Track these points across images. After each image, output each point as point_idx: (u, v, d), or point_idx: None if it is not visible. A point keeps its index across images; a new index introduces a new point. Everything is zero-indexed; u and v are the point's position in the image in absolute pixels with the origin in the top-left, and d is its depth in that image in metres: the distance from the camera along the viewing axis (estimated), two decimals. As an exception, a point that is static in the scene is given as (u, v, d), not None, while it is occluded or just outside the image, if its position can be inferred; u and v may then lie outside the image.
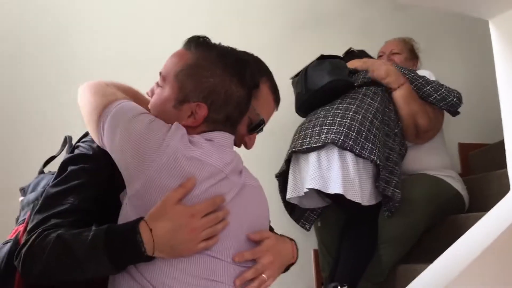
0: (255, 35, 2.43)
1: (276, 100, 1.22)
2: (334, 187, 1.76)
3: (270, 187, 1.80)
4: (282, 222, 1.90)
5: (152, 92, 1.06)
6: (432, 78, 2.13)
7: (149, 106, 1.05)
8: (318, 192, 1.94)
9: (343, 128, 1.82)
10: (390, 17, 2.82)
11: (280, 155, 2.07)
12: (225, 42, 1.08)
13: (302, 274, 2.29)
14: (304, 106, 2.10)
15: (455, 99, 2.02)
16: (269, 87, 1.19)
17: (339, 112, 1.90)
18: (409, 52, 2.36)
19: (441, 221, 2.00)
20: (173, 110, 0.99)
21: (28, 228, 0.93)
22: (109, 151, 0.97)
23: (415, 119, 2.01)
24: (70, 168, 1.00)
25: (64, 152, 1.16)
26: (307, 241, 2.25)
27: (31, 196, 1.10)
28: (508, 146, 1.60)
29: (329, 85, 1.99)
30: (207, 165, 0.94)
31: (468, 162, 2.75)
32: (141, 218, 0.89)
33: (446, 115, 2.15)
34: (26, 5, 2.20)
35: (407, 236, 1.92)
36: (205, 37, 1.05)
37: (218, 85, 0.98)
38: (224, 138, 1.01)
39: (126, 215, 0.93)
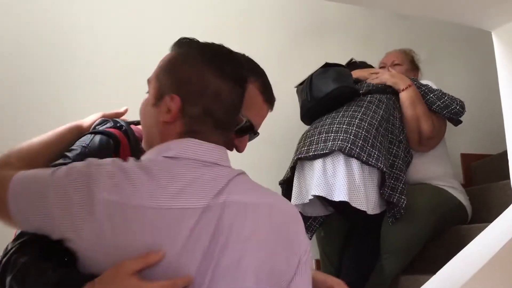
0: (259, 46, 2.43)
1: (267, 99, 1.12)
2: (339, 195, 1.75)
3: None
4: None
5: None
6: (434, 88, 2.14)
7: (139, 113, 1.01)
8: (321, 200, 1.93)
9: (350, 135, 1.82)
10: (392, 28, 2.83)
11: (283, 163, 2.06)
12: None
13: (303, 284, 2.27)
14: (309, 114, 2.10)
15: (458, 107, 2.03)
16: (258, 87, 1.10)
17: (345, 119, 1.90)
18: (410, 63, 2.37)
19: (443, 231, 1.99)
20: (152, 109, 0.93)
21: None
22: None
23: (419, 123, 2.01)
24: None
25: None
26: (308, 251, 2.23)
27: None
28: (510, 156, 1.60)
29: (334, 92, 1.99)
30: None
31: (470, 172, 2.75)
32: (94, 280, 0.78)
33: (449, 125, 2.15)
34: (26, 5, 2.20)
35: (410, 246, 1.91)
36: (192, 38, 0.97)
37: (193, 75, 0.90)
38: (186, 148, 0.86)
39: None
